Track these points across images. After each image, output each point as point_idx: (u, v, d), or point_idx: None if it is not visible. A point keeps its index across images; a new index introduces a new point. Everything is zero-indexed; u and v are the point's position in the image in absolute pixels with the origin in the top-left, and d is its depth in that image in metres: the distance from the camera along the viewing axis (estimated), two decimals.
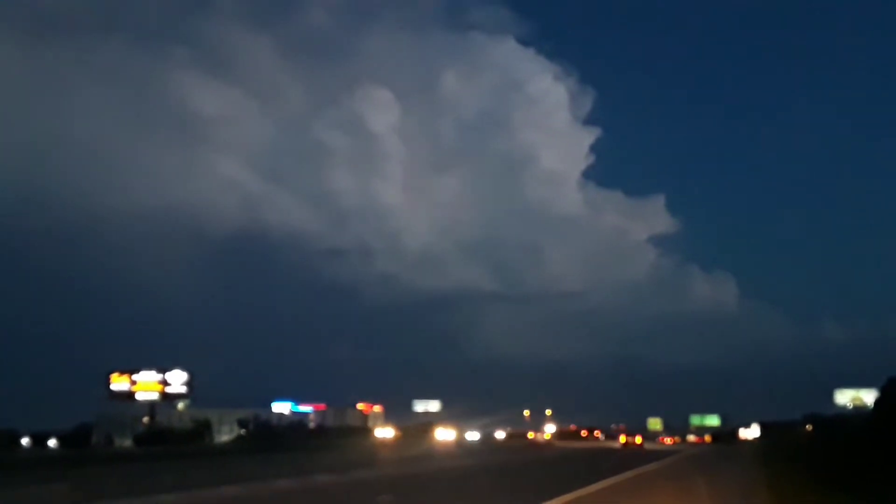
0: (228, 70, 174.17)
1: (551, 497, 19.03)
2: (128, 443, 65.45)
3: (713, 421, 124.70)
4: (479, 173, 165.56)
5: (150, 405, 60.89)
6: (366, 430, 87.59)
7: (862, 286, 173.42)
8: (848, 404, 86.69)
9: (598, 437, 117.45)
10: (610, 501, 20.13)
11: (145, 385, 59.52)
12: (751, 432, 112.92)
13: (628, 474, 29.80)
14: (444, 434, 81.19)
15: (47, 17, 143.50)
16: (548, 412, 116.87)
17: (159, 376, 60.07)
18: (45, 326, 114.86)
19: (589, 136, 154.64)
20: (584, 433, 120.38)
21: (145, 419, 64.27)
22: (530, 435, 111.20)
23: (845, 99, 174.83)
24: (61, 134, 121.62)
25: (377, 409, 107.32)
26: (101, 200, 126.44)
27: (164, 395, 61.28)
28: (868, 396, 75.21)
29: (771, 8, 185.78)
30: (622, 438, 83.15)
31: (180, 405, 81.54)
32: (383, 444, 68.19)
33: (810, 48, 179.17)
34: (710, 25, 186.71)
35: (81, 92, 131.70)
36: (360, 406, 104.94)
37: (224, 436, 76.68)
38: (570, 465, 38.64)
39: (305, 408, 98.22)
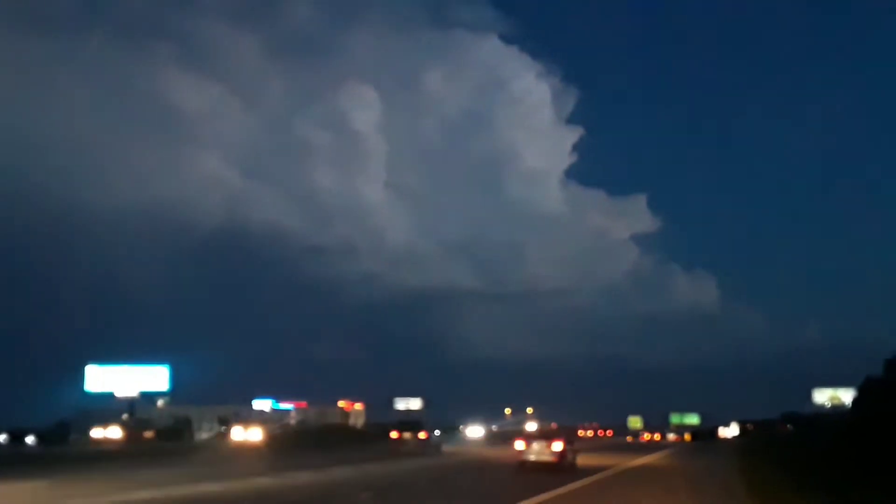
0: (212, 67, 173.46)
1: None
2: None
3: (693, 419, 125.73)
4: (461, 171, 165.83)
5: (130, 402, 60.34)
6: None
7: (841, 287, 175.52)
8: (826, 403, 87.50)
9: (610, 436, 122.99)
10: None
11: (125, 381, 59.00)
12: (730, 431, 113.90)
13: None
14: (246, 434, 54.50)
15: (28, 13, 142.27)
16: (529, 410, 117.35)
17: (139, 373, 59.59)
18: (23, 322, 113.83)
19: (572, 134, 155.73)
20: (601, 433, 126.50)
21: (124, 416, 63.77)
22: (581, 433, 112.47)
23: (829, 100, 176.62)
24: (42, 130, 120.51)
25: (358, 406, 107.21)
26: (82, 196, 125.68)
27: (144, 392, 60.79)
28: (846, 395, 75.89)
29: (755, 9, 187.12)
30: (646, 436, 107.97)
31: (160, 402, 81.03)
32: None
33: (796, 50, 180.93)
34: (695, 26, 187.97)
35: (63, 88, 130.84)
36: (341, 404, 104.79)
37: (204, 433, 76.33)
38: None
39: (286, 405, 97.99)
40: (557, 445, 30.14)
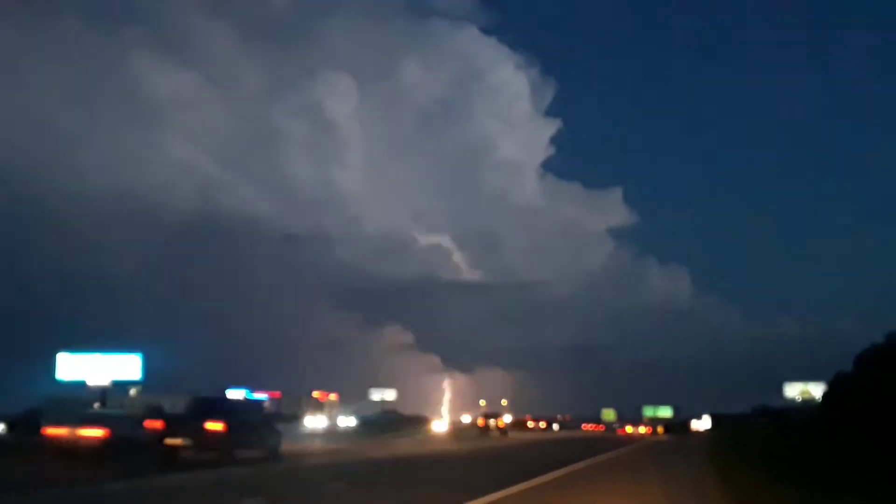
0: (185, 53, 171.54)
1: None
2: None
3: (666, 412, 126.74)
4: (438, 162, 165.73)
5: (102, 390, 59.75)
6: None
7: (812, 282, 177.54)
8: (797, 397, 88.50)
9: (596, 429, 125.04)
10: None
11: (97, 370, 58.40)
12: (702, 424, 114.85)
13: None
14: None
15: None
16: (503, 402, 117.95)
17: (111, 361, 59.01)
18: None
19: (550, 127, 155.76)
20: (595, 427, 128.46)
21: (96, 405, 63.14)
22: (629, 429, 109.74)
23: (803, 96, 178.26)
24: (11, 114, 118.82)
25: (333, 397, 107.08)
26: (53, 182, 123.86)
27: (117, 381, 60.19)
28: (816, 390, 76.79)
29: (732, 4, 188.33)
30: (629, 428, 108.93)
31: (132, 391, 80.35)
32: None
33: (772, 45, 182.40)
34: (673, 21, 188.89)
35: (34, 73, 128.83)
36: (315, 394, 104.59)
37: None
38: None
39: (260, 395, 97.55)
40: (643, 429, 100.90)
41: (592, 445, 46.36)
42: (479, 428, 73.04)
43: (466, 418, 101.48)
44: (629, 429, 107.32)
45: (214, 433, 25.64)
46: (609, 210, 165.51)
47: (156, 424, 26.14)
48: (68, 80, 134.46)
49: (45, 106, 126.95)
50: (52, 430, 24.88)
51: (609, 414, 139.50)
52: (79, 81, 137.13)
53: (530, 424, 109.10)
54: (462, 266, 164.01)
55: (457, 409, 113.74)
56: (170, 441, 25.33)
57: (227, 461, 24.69)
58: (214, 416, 26.40)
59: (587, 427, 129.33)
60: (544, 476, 21.37)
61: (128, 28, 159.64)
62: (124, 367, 59.93)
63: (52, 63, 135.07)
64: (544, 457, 32.71)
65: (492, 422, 74.05)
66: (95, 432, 23.94)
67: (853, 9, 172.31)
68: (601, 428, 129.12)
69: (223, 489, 18.36)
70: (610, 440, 65.48)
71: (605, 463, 30.04)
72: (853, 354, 31.30)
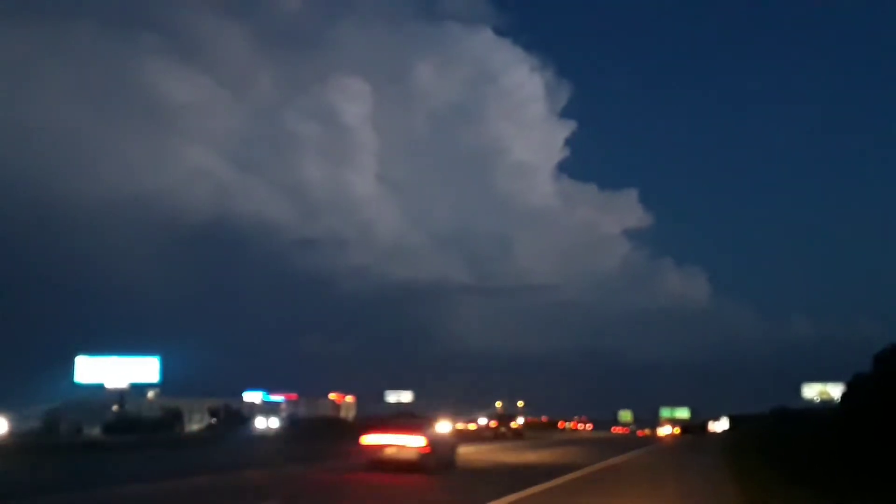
0: (200, 58, 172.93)
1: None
2: (96, 431, 64.78)
3: (683, 413, 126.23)
4: (452, 164, 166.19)
5: (120, 393, 60.12)
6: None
7: (831, 283, 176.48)
8: (815, 398, 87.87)
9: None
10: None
11: (115, 373, 58.79)
12: (720, 425, 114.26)
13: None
14: None
15: (13, 1, 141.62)
16: (520, 404, 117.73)
17: (129, 364, 59.39)
18: (12, 313, 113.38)
19: (565, 128, 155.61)
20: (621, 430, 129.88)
21: (114, 407, 63.55)
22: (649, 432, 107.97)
23: (819, 96, 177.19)
24: (28, 119, 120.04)
25: (349, 399, 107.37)
26: (69, 187, 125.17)
27: (134, 384, 60.57)
28: (835, 391, 76.20)
29: (747, 6, 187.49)
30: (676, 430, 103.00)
31: (150, 393, 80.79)
32: None
33: (790, 47, 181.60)
34: (687, 22, 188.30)
35: (50, 78, 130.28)
36: (332, 396, 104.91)
37: (195, 425, 76.18)
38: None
39: (277, 397, 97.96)
40: (674, 429, 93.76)
41: (636, 441, 64.65)
42: (559, 428, 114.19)
43: (482, 420, 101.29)
44: (662, 431, 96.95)
45: (515, 428, 63.45)
46: (625, 211, 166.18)
47: (496, 422, 64.87)
48: (84, 86, 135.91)
49: (61, 111, 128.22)
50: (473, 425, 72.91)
51: (626, 415, 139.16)
52: (94, 86, 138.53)
53: (580, 427, 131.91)
54: (476, 268, 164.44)
55: (474, 410, 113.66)
56: (502, 429, 61.84)
57: (518, 439, 56.80)
58: (514, 419, 67.01)
59: (616, 430, 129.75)
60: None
61: (144, 34, 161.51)
62: (142, 369, 60.32)
63: (68, 68, 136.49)
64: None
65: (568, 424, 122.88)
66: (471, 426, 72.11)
67: (857, 11, 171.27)
68: (627, 430, 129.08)
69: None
70: (642, 439, 74.97)
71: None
72: (872, 355, 31.01)
